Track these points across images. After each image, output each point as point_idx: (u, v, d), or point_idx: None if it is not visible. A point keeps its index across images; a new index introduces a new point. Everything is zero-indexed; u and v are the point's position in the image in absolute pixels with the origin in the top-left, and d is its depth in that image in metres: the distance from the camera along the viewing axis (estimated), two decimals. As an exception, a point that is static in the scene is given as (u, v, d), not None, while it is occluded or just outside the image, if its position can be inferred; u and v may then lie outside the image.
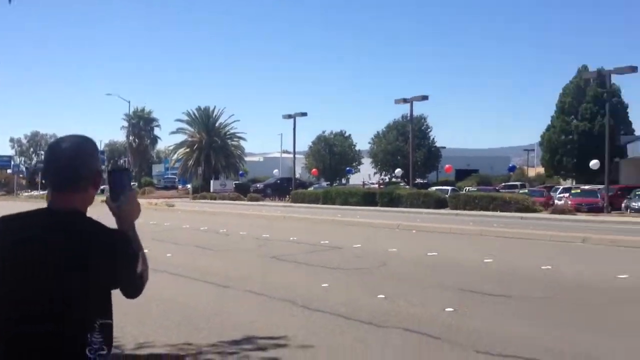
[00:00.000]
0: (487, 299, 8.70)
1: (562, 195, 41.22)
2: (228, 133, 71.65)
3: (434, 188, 48.18)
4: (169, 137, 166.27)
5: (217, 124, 70.82)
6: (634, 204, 35.80)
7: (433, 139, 73.99)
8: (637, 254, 14.37)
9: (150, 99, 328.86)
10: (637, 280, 10.23)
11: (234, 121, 72.42)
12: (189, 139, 70.27)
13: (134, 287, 2.07)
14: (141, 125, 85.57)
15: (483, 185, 55.83)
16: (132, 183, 2.24)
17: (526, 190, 44.80)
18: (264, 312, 7.96)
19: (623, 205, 36.81)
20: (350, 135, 79.23)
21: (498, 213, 32.30)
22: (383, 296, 8.72)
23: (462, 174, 72.69)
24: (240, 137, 73.23)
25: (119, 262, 1.99)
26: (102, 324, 1.96)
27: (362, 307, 8.01)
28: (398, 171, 57.59)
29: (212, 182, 63.21)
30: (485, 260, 12.68)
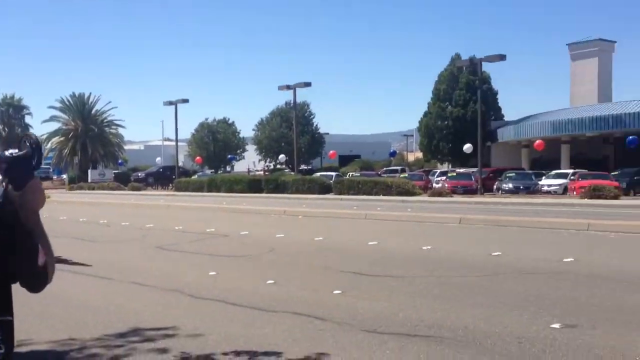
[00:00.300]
0: (373, 280, 8.96)
1: (439, 178, 43.06)
2: (105, 120, 69.11)
3: (318, 174, 48.85)
4: (41, 126, 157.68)
5: (93, 111, 68.09)
6: (504, 185, 38.03)
7: (316, 125, 75.04)
8: (508, 231, 15.28)
9: (21, 86, 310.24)
10: (509, 256, 10.89)
11: (112, 108, 70.01)
12: (64, 127, 67.13)
13: (36, 281, 1.93)
14: (11, 113, 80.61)
15: (366, 170, 57.32)
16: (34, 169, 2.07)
17: (406, 175, 46.43)
18: (151, 303, 7.78)
19: (495, 186, 39.03)
20: (234, 122, 78.74)
21: (381, 197, 33.27)
22: (272, 281, 8.76)
23: (345, 160, 74.24)
24: (118, 125, 70.88)
25: (19, 254, 1.85)
26: (1, 322, 1.83)
27: (251, 294, 8.02)
28: (282, 157, 57.83)
29: (89, 171, 60.71)
30: (370, 243, 13.03)
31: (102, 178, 58.61)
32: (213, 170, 69.27)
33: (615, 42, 58.83)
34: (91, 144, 64.99)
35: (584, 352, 5.32)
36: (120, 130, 71.23)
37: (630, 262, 10.17)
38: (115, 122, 70.48)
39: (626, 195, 31.60)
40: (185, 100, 53.18)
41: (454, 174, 43.10)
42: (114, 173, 61.81)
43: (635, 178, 35.66)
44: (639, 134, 42.17)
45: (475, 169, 41.06)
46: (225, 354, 5.43)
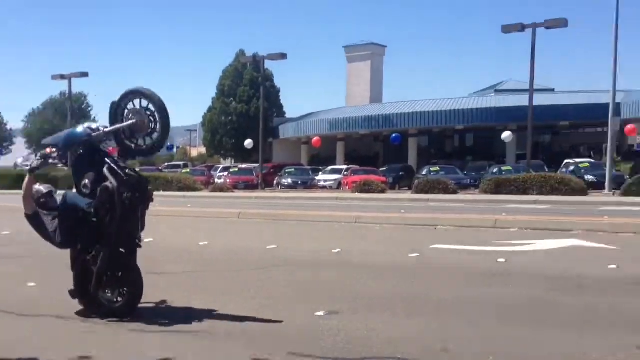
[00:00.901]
0: (146, 277, 8.67)
1: (221, 174, 43.31)
2: None
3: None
4: None
5: None
6: (284, 180, 39.28)
7: (95, 118, 71.46)
8: (285, 225, 15.79)
9: None
10: (284, 249, 11.26)
11: None
12: None
13: None
14: None
15: (147, 166, 55.72)
16: None
17: (188, 170, 46.02)
18: None
19: (275, 182, 40.15)
20: (0, 112, 72.19)
21: (161, 192, 32.57)
22: (34, 284, 8.19)
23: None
24: None
25: None
26: None
27: (9, 297, 7.42)
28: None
29: None
30: (146, 240, 12.64)
31: None
32: (-26, 165, 62.81)
33: (386, 46, 63.66)
34: None
35: (345, 335, 5.65)
36: None
37: (391, 251, 11.05)
38: None
39: (392, 189, 34.32)
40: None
41: (236, 169, 43.64)
42: None
43: (401, 174, 38.90)
44: (405, 132, 46.06)
45: (256, 165, 41.91)
46: (-28, 365, 4.95)
